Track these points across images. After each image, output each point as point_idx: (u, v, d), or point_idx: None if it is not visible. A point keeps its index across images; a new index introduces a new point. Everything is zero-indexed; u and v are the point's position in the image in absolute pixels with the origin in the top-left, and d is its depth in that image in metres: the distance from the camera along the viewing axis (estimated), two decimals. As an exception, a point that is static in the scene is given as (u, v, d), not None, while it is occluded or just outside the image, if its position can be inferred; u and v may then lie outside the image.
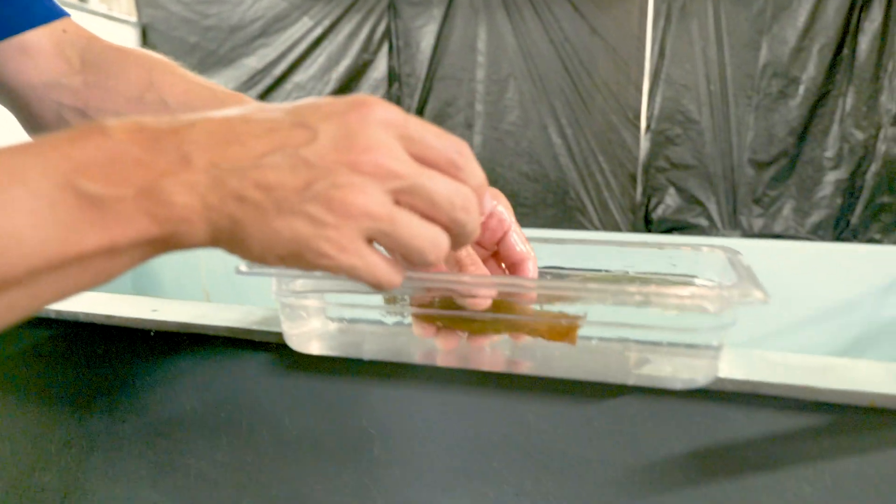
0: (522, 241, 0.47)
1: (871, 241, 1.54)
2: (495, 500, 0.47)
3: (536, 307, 0.43)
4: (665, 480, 0.44)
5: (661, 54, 1.64)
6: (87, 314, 0.53)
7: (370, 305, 0.44)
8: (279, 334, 0.47)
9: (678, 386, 0.39)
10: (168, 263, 1.79)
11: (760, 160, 1.57)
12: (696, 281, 0.45)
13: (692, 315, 0.37)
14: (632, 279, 0.46)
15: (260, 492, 0.53)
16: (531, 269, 0.45)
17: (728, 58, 1.60)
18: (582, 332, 0.41)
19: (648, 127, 1.62)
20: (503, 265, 0.47)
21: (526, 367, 0.44)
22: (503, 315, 0.42)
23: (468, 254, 0.42)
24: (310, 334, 0.46)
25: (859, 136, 1.51)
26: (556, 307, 0.42)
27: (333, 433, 0.51)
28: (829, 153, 1.54)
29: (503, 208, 0.46)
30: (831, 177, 1.54)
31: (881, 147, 1.48)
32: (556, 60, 1.73)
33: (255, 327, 0.49)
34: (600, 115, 1.67)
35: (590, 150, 1.69)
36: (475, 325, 0.43)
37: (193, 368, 0.53)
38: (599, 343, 0.43)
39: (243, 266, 0.39)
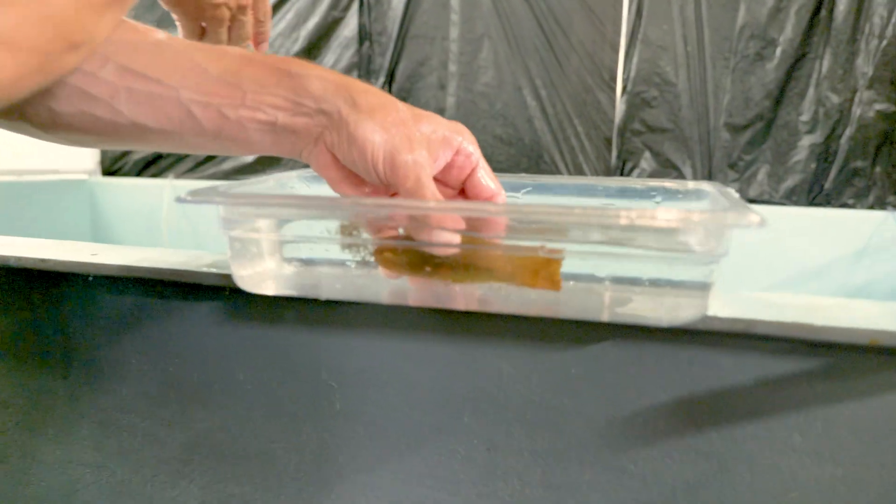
0: (491, 177, 0.43)
1: (844, 205, 1.54)
2: (465, 457, 0.44)
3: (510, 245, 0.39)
4: (648, 431, 0.41)
5: (638, 14, 1.60)
6: (18, 258, 0.48)
7: (329, 238, 0.40)
8: (231, 278, 0.43)
9: (663, 323, 0.36)
10: (132, 232, 1.73)
11: (736, 124, 1.55)
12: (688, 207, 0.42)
13: (681, 244, 0.34)
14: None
15: (211, 452, 0.49)
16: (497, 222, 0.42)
17: (706, 18, 1.57)
18: (562, 271, 0.38)
19: (625, 89, 1.58)
20: None
21: (501, 307, 0.40)
22: (471, 246, 0.38)
23: (433, 193, 0.39)
24: (263, 275, 0.42)
25: (835, 99, 1.49)
26: (531, 243, 0.39)
27: (291, 387, 0.47)
28: (805, 117, 1.52)
29: (469, 144, 0.42)
30: (806, 141, 1.53)
31: (856, 111, 1.47)
32: (532, 19, 1.68)
33: (204, 269, 0.45)
34: (576, 77, 1.63)
35: (565, 112, 1.65)
36: (444, 273, 0.40)
37: (138, 318, 0.48)
38: (578, 284, 0.40)
39: (186, 194, 0.35)
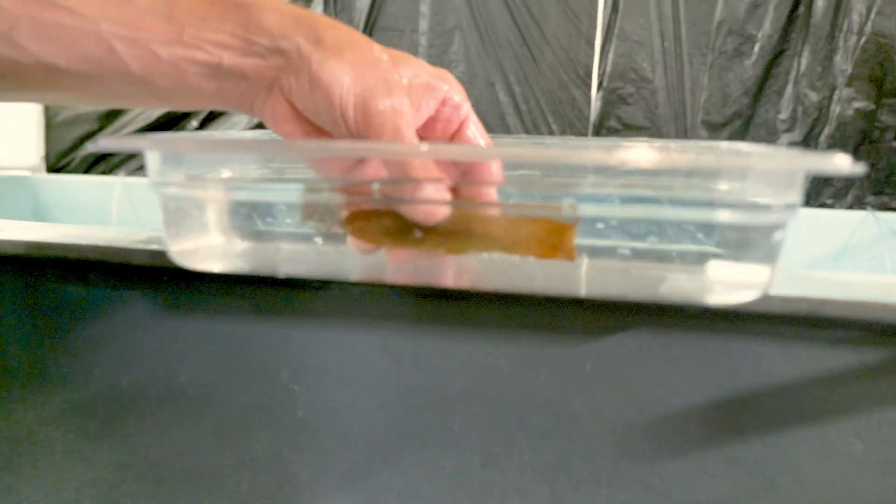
0: (482, 134, 0.36)
1: (822, 205, 1.51)
2: (456, 473, 0.37)
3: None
4: (677, 439, 0.34)
5: (614, 8, 1.55)
6: None
7: (287, 201, 0.32)
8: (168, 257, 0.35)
9: (711, 303, 0.29)
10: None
11: (714, 122, 1.51)
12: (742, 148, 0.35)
13: (738, 194, 0.27)
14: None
15: (147, 472, 0.41)
16: (495, 172, 0.34)
17: (683, 13, 1.53)
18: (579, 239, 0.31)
19: (600, 85, 1.53)
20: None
21: (500, 284, 0.33)
22: (465, 205, 0.31)
23: (423, 169, 0.31)
24: (208, 251, 0.34)
25: (814, 97, 1.46)
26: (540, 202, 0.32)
27: (244, 391, 0.39)
28: (784, 115, 1.49)
29: (457, 93, 0.35)
30: (785, 139, 1.49)
31: (835, 108, 1.44)
32: (505, 12, 1.63)
33: (136, 247, 0.36)
34: (550, 72, 1.58)
35: (539, 109, 1.60)
36: (431, 242, 0.32)
37: (55, 310, 0.40)
38: (600, 253, 0.33)
39: (101, 140, 0.27)
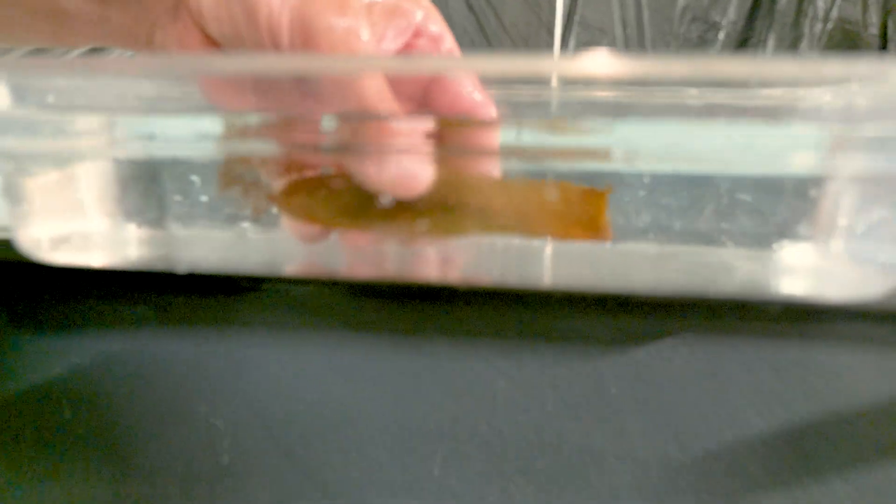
0: (483, 94, 0.27)
1: (790, 198, 1.47)
2: (437, 530, 0.27)
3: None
4: (733, 481, 0.25)
5: (575, -7, 1.49)
6: None
7: (205, 167, 0.22)
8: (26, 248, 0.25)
9: (831, 298, 0.21)
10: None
11: (679, 112, 1.46)
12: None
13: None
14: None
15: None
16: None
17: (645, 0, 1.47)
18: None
19: (561, 74, 1.46)
20: None
21: (500, 276, 0.24)
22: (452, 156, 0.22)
23: (377, 88, 0.22)
24: (82, 239, 0.24)
25: (779, 86, 1.42)
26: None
27: (150, 429, 0.29)
28: (749, 105, 1.44)
29: (434, 22, 0.26)
30: (751, 130, 1.45)
31: (801, 98, 1.40)
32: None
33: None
34: (509, 61, 1.50)
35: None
36: (405, 219, 0.23)
37: None
38: (623, 230, 0.24)
39: None
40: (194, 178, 0.25)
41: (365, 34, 0.22)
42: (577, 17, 1.51)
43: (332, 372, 0.27)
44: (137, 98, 0.23)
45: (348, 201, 0.22)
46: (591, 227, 0.22)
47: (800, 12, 1.40)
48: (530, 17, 1.54)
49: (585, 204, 0.22)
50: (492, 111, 0.26)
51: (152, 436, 0.29)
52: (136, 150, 0.23)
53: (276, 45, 0.22)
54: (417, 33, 0.25)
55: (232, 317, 0.27)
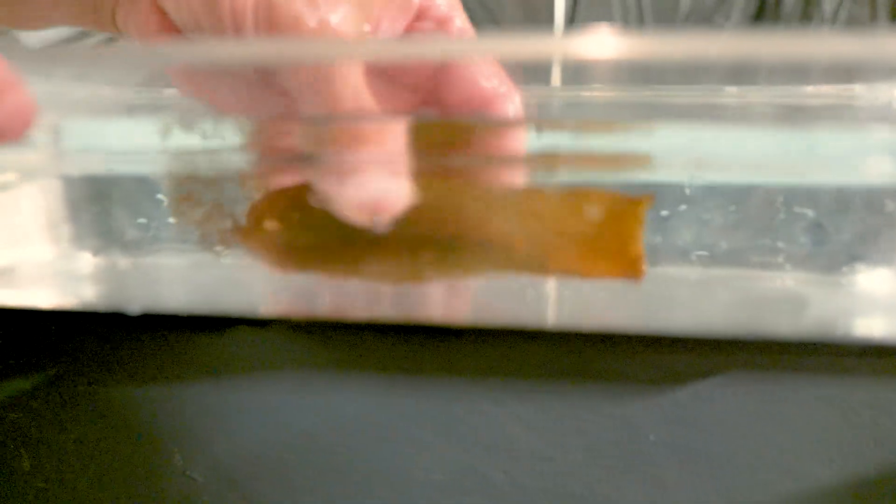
0: (504, 82, 0.23)
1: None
2: None
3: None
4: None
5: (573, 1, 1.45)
6: None
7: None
8: None
9: None
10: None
11: (683, 118, 1.43)
12: None
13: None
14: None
15: None
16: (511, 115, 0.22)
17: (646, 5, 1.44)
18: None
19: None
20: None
21: (511, 316, 0.20)
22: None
23: (353, 88, 0.18)
24: (29, 271, 0.20)
25: (786, 90, 1.39)
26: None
27: (119, 482, 0.25)
28: (756, 109, 1.42)
29: (444, 1, 0.22)
30: (757, 135, 1.42)
31: (809, 102, 1.37)
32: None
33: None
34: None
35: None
36: (390, 259, 0.19)
37: None
38: (661, 252, 0.21)
39: None
40: (161, 196, 0.21)
41: (348, 23, 0.19)
42: (577, 22, 1.49)
43: (323, 417, 0.23)
44: (86, 99, 0.19)
45: (323, 232, 0.19)
46: (623, 260, 0.18)
47: (806, 16, 1.37)
48: (528, 23, 1.52)
49: (617, 220, 0.18)
50: (514, 103, 0.22)
51: (119, 491, 0.25)
52: (88, 164, 0.20)
53: (238, 32, 0.18)
54: (419, 16, 0.22)
55: (210, 355, 0.24)
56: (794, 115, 0.20)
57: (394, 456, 0.23)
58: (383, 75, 0.23)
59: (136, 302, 0.21)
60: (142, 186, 0.21)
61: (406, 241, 0.19)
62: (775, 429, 0.21)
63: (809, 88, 0.24)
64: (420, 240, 0.19)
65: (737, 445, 0.22)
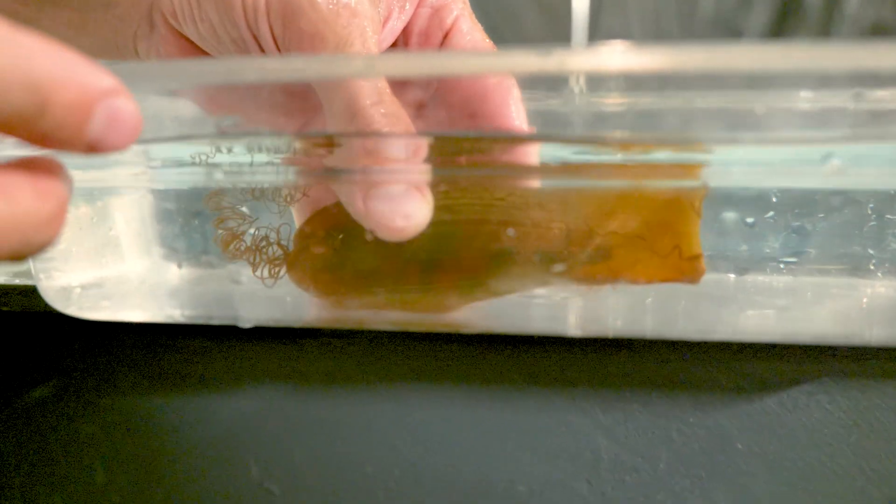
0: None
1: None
2: None
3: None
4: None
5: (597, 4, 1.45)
6: None
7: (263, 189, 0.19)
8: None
9: None
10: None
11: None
12: None
13: None
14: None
15: None
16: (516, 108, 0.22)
17: (665, 6, 1.43)
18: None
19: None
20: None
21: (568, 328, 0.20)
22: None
23: (383, 110, 0.18)
24: (118, 286, 0.20)
25: (809, 93, 1.38)
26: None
27: (192, 493, 0.25)
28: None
29: None
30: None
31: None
32: (474, 8, 1.51)
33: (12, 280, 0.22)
34: (528, 75, 1.47)
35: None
36: (437, 283, 0.19)
37: None
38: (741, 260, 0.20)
39: None
40: (245, 209, 0.21)
41: (366, 11, 0.18)
42: (599, 28, 1.49)
43: (402, 429, 0.23)
44: (175, 119, 0.19)
45: (369, 253, 0.19)
46: (677, 256, 0.18)
47: (829, 19, 1.37)
48: (547, 31, 1.52)
49: (671, 219, 0.18)
50: (514, 96, 0.22)
51: (195, 502, 0.25)
52: (176, 179, 0.20)
53: (259, 41, 0.18)
54: (422, 2, 0.22)
55: (287, 367, 0.24)
56: (875, 120, 0.20)
57: (476, 467, 0.23)
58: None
59: (222, 314, 0.21)
60: (223, 200, 0.21)
61: (455, 258, 0.19)
62: (866, 438, 0.21)
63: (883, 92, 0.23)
64: (470, 257, 0.19)
65: (825, 453, 0.21)
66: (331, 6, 0.18)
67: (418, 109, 0.23)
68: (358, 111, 0.17)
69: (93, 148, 0.12)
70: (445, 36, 0.22)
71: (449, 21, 0.22)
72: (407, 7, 0.21)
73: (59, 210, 0.12)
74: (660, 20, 1.53)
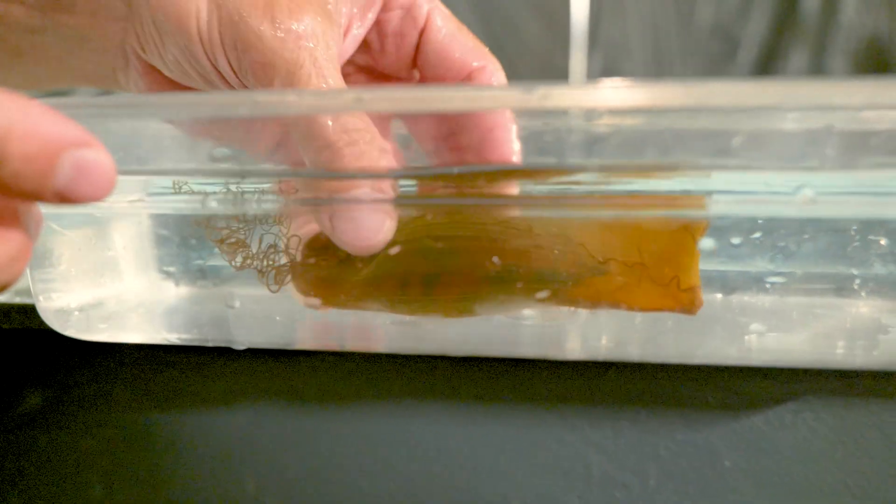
0: (470, 49, 0.23)
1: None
2: None
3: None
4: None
5: (597, 11, 1.46)
6: None
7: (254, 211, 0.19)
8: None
9: None
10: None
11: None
12: None
13: None
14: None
15: None
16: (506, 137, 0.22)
17: (664, 15, 1.44)
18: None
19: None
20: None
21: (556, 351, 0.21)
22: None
23: (342, 129, 0.18)
24: (117, 306, 0.21)
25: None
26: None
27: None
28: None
29: None
30: (777, 147, 1.42)
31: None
32: (474, 18, 1.52)
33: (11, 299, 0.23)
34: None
35: (516, 121, 1.49)
36: (447, 286, 0.20)
37: None
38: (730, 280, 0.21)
39: None
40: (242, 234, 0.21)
41: (316, 28, 0.19)
42: (599, 37, 1.50)
43: (397, 445, 0.24)
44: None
45: (364, 271, 0.19)
46: (675, 287, 0.18)
47: (826, 28, 1.37)
48: (548, 37, 1.53)
49: (670, 251, 0.18)
50: (495, 75, 0.23)
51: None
52: (171, 205, 0.20)
53: (217, 69, 0.19)
54: (386, 6, 0.22)
55: (283, 383, 0.24)
56: (847, 151, 0.20)
57: (470, 482, 0.23)
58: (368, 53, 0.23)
59: (218, 336, 0.21)
60: (218, 223, 0.22)
61: (454, 275, 0.19)
62: (852, 456, 0.22)
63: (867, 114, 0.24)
64: (469, 274, 0.19)
65: (811, 470, 0.22)
66: (278, 34, 0.18)
67: (437, 142, 0.23)
68: (326, 140, 0.17)
69: (63, 198, 0.12)
70: (421, 34, 0.22)
71: (422, 19, 0.22)
72: (369, 16, 0.21)
73: (21, 252, 0.12)
74: (658, 28, 1.54)
